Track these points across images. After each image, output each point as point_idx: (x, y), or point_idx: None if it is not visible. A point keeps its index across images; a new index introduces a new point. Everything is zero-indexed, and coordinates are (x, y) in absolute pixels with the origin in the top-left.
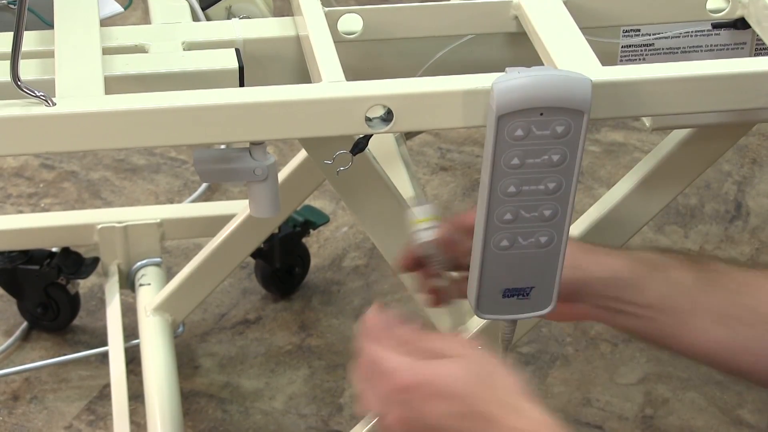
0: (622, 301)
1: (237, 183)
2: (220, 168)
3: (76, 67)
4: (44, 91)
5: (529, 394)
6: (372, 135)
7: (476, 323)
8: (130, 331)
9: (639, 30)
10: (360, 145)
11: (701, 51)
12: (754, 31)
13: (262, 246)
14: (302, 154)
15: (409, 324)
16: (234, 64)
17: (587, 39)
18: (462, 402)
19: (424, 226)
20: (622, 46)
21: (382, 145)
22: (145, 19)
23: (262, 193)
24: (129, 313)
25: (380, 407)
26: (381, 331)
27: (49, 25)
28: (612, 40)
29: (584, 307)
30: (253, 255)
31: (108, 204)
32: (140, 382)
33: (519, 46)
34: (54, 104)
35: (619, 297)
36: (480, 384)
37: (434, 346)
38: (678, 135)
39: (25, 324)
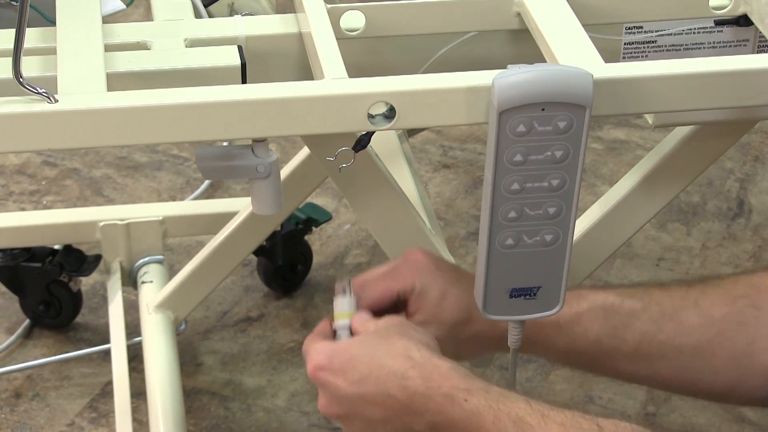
0: (531, 352)
1: (239, 180)
2: (222, 165)
3: (79, 64)
4: (46, 88)
5: (429, 347)
6: (374, 132)
7: None
8: (132, 328)
9: (642, 27)
10: (362, 142)
11: (704, 48)
12: (756, 28)
13: (264, 243)
14: (304, 151)
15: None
16: (236, 61)
17: (590, 36)
18: (361, 365)
19: (342, 323)
20: (625, 43)
21: (385, 143)
22: (148, 16)
23: (264, 190)
24: (131, 310)
25: (318, 391)
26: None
27: (51, 22)
28: (615, 37)
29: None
30: (256, 252)
31: (110, 201)
32: (142, 380)
33: (521, 43)
34: (56, 101)
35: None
36: (379, 344)
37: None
38: (680, 132)
39: (27, 321)
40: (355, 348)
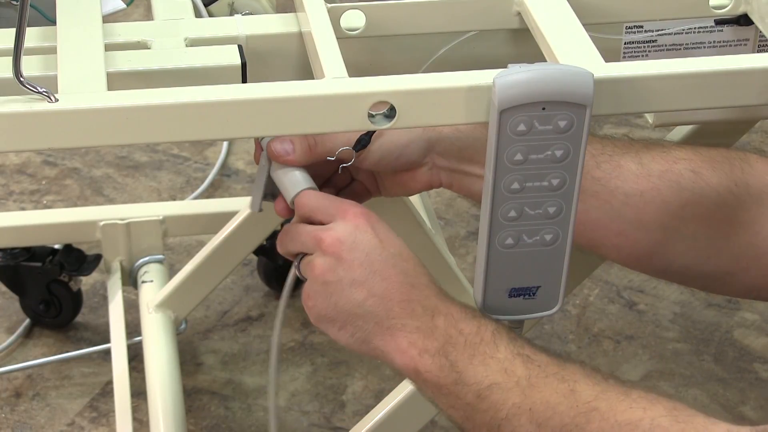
0: (471, 160)
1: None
2: (257, 182)
3: (79, 64)
4: (47, 88)
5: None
6: (375, 132)
7: None
8: (133, 328)
9: (642, 26)
10: (363, 141)
11: (704, 47)
12: (757, 28)
13: (264, 243)
14: None
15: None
16: (236, 60)
17: (590, 35)
18: (400, 243)
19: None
20: (625, 43)
21: None
22: (148, 15)
23: (286, 169)
24: (131, 310)
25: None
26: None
27: (52, 21)
28: (615, 37)
29: (427, 173)
30: (256, 252)
31: (110, 201)
32: (143, 379)
33: (522, 43)
34: (56, 100)
35: (463, 155)
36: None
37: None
38: (680, 132)
39: (27, 321)
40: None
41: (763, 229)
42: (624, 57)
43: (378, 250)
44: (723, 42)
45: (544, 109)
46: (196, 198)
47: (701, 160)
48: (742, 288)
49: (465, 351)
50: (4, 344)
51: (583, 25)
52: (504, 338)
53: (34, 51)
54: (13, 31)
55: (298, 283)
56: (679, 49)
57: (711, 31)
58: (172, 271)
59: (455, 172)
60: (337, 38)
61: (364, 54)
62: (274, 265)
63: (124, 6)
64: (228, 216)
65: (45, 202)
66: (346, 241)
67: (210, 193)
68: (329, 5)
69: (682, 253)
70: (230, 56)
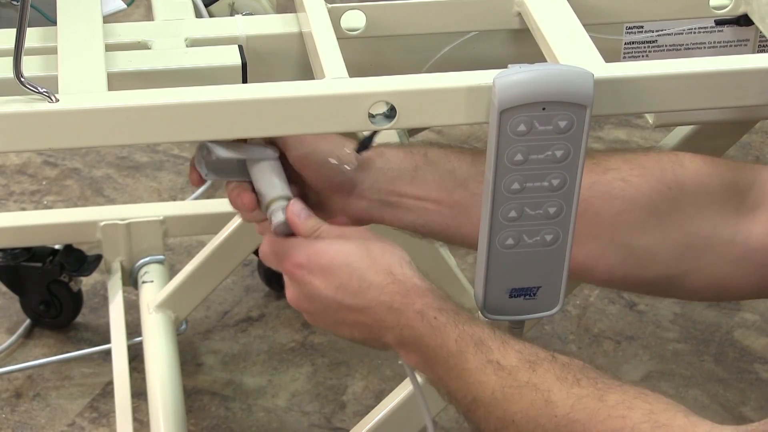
0: (399, 193)
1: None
2: (234, 151)
3: (79, 64)
4: (47, 88)
5: (411, 265)
6: (376, 133)
7: None
8: (133, 328)
9: (642, 27)
10: (365, 143)
11: (704, 48)
12: (757, 28)
13: None
14: None
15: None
16: (237, 60)
17: (590, 36)
18: (342, 273)
19: (276, 206)
20: (625, 43)
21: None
22: (148, 15)
23: (273, 167)
24: (132, 310)
25: (286, 284)
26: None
27: (52, 21)
28: (615, 37)
29: (360, 204)
30: (256, 252)
31: (111, 201)
32: (143, 380)
33: (522, 43)
34: (57, 100)
35: (395, 189)
36: (362, 257)
37: (329, 231)
38: (681, 132)
39: (27, 321)
40: (335, 255)
41: (700, 230)
42: (624, 57)
43: (327, 301)
44: (723, 42)
45: (544, 109)
46: (196, 198)
47: (631, 167)
48: (685, 291)
49: (441, 366)
50: (5, 344)
51: (583, 25)
52: (469, 345)
53: (34, 51)
54: (13, 31)
55: None
56: (680, 49)
57: (711, 32)
58: (172, 272)
59: (385, 204)
60: (338, 38)
61: (365, 54)
62: None
63: (125, 6)
64: (228, 216)
65: (45, 202)
66: (296, 300)
67: (210, 193)
68: (329, 5)
69: (620, 264)
70: (231, 56)
